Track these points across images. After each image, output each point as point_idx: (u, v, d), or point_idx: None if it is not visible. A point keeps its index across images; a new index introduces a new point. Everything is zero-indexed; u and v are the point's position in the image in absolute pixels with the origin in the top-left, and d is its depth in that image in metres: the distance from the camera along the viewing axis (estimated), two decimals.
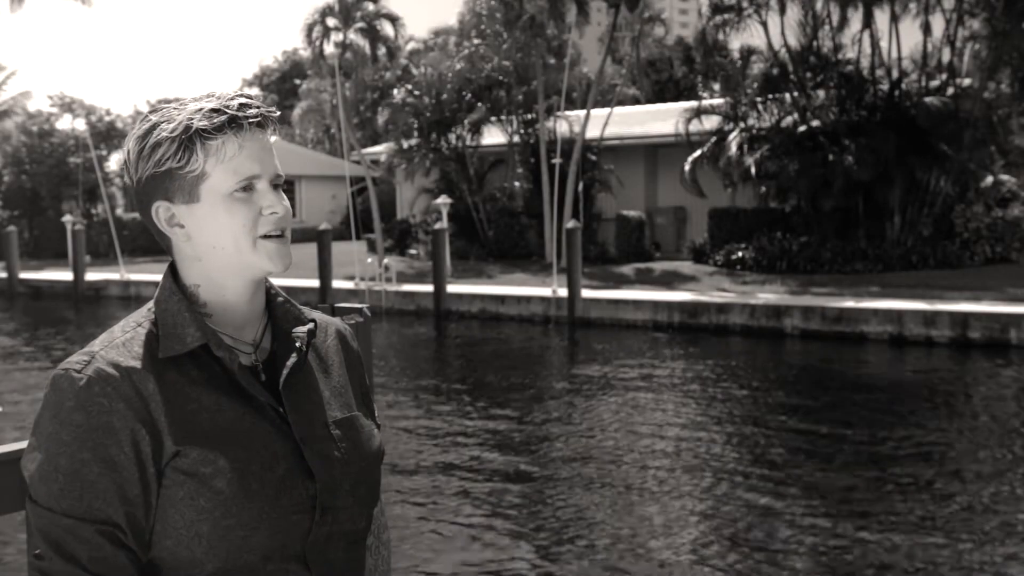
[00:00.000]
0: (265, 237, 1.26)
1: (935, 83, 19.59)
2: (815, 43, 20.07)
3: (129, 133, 1.29)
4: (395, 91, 25.10)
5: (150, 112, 1.28)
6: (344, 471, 1.28)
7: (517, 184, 24.01)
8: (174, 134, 1.22)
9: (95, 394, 1.17)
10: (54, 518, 1.15)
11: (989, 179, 19.52)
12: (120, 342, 1.24)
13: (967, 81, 19.52)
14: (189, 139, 1.22)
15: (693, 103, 21.95)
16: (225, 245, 1.25)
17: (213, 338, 1.25)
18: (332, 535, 1.26)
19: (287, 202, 1.29)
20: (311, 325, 1.35)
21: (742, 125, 20.19)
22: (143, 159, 1.25)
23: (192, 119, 1.22)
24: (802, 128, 19.56)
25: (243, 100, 1.25)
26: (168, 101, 1.29)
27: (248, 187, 1.25)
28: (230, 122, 1.23)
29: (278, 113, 1.30)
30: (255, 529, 1.19)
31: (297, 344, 1.32)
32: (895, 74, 19.79)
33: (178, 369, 1.23)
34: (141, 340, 1.24)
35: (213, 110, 1.23)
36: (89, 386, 1.18)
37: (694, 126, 20.70)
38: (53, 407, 1.18)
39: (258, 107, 1.26)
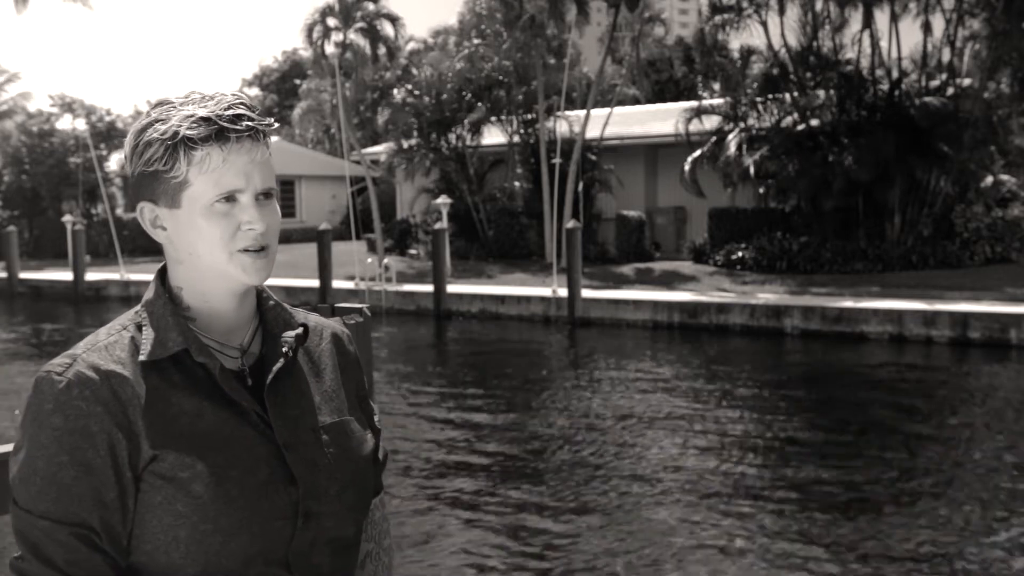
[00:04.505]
0: (242, 251, 1.24)
1: (935, 83, 19.58)
2: (815, 43, 20.06)
3: (132, 125, 1.28)
4: (395, 91, 25.08)
5: (153, 107, 1.26)
6: (330, 477, 1.27)
7: (517, 184, 24.00)
8: (163, 137, 1.21)
9: (73, 397, 1.17)
10: (32, 520, 1.15)
11: (989, 179, 19.51)
12: (103, 345, 1.24)
13: (967, 81, 19.51)
14: (175, 145, 1.21)
15: (693, 103, 21.93)
16: (201, 254, 1.24)
17: (195, 343, 1.24)
18: (316, 541, 1.25)
19: (275, 216, 1.27)
20: (299, 330, 1.34)
21: (742, 125, 20.18)
22: (136, 155, 1.25)
23: (181, 125, 1.21)
24: (802, 128, 19.56)
25: (239, 111, 1.23)
26: (184, 96, 1.27)
27: (230, 199, 1.23)
28: (217, 134, 1.21)
29: (274, 126, 1.28)
30: (234, 535, 1.18)
31: (284, 349, 1.31)
32: (895, 74, 19.78)
33: (160, 373, 1.22)
34: (125, 343, 1.24)
35: (204, 118, 1.21)
36: (68, 389, 1.17)
37: (694, 126, 20.68)
38: (34, 409, 1.19)
39: (252, 119, 1.23)
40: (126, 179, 34.63)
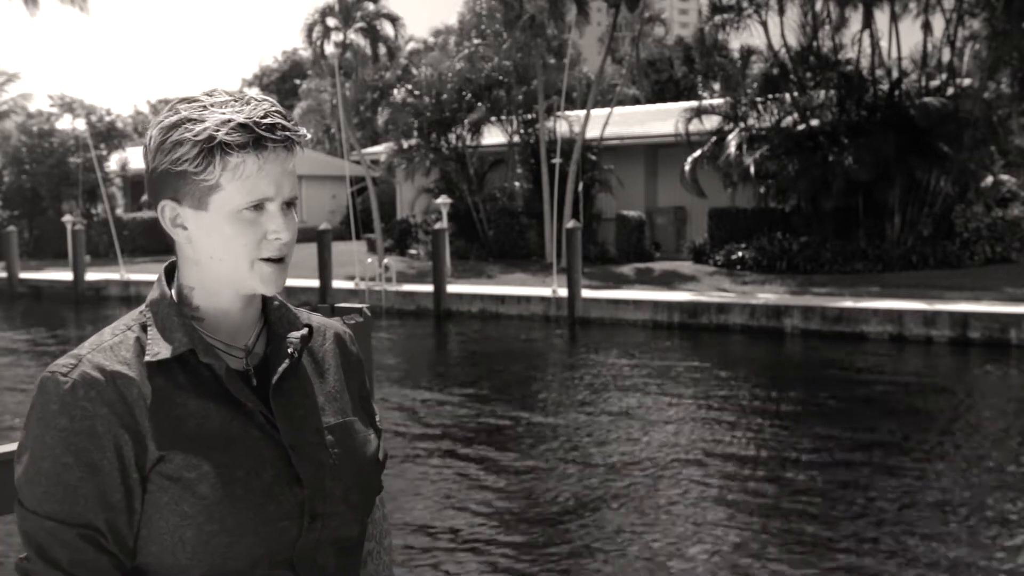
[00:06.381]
0: (264, 260, 1.24)
1: (935, 83, 19.59)
2: (815, 43, 20.07)
3: (155, 118, 1.26)
4: (395, 91, 25.09)
5: (180, 102, 1.24)
6: (335, 477, 1.27)
7: (517, 184, 24.01)
8: (197, 139, 1.19)
9: (79, 398, 1.17)
10: (38, 521, 1.15)
11: (989, 179, 19.52)
12: (108, 345, 1.23)
13: (967, 81, 19.52)
14: (210, 149, 1.19)
15: (693, 103, 21.94)
16: (223, 258, 1.23)
17: (200, 344, 1.24)
18: (322, 542, 1.25)
19: (295, 225, 1.26)
20: (305, 331, 1.34)
21: (742, 125, 20.19)
22: (162, 152, 1.23)
23: (219, 130, 1.19)
24: (802, 128, 19.57)
25: (274, 119, 1.21)
26: (209, 94, 1.24)
27: (258, 207, 1.22)
28: (255, 141, 1.20)
29: (307, 136, 1.27)
30: (240, 536, 1.18)
31: (290, 350, 1.30)
32: (895, 74, 19.79)
33: (166, 374, 1.22)
34: (130, 344, 1.23)
35: (241, 125, 1.19)
36: (73, 390, 1.17)
37: (694, 126, 20.69)
38: (39, 410, 1.18)
39: (286, 128, 1.22)
40: (126, 179, 34.54)
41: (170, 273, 1.31)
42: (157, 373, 1.21)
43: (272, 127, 1.21)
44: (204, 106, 1.22)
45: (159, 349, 1.22)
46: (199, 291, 1.28)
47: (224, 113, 1.20)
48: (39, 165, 31.50)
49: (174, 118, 1.22)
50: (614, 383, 11.70)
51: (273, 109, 1.23)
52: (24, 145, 31.88)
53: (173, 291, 1.29)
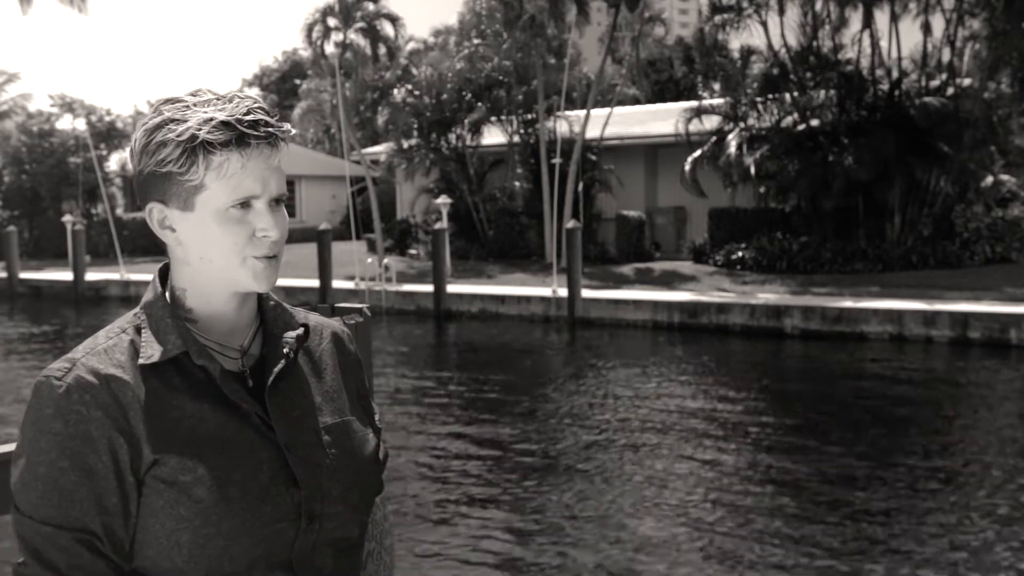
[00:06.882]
0: (254, 257, 1.23)
1: (935, 83, 19.59)
2: (815, 43, 20.07)
3: (140, 120, 1.25)
4: (395, 91, 25.09)
5: (164, 103, 1.23)
6: (333, 478, 1.26)
7: (517, 184, 24.01)
8: (180, 139, 1.18)
9: (73, 402, 1.16)
10: (34, 526, 1.15)
11: (989, 179, 19.51)
12: (102, 348, 1.22)
13: (967, 81, 19.52)
14: (193, 149, 1.18)
15: (693, 103, 21.94)
16: (212, 258, 1.23)
17: (194, 346, 1.23)
18: (319, 543, 1.24)
19: (285, 221, 1.26)
20: (300, 331, 1.33)
21: (742, 125, 20.18)
22: (147, 153, 1.22)
23: (200, 129, 1.18)
24: (802, 128, 19.56)
25: (257, 116, 1.21)
26: (193, 94, 1.23)
27: (245, 204, 1.21)
28: (238, 139, 1.19)
29: (292, 132, 1.26)
30: (236, 538, 1.17)
31: (285, 350, 1.30)
32: (895, 74, 19.79)
33: (160, 377, 1.21)
34: (124, 347, 1.23)
35: (223, 123, 1.18)
36: (68, 394, 1.16)
37: (694, 126, 20.68)
38: (34, 414, 1.18)
39: (269, 124, 1.21)
40: (126, 179, 34.56)
41: (164, 275, 1.30)
42: (151, 376, 1.21)
43: (255, 124, 1.20)
44: (187, 106, 1.21)
45: (153, 352, 1.22)
46: (191, 292, 1.27)
47: (206, 112, 1.19)
48: (39, 165, 31.50)
49: (157, 119, 1.21)
50: (613, 384, 11.69)
51: (256, 106, 1.22)
52: (24, 145, 31.89)
53: (167, 293, 1.28)
